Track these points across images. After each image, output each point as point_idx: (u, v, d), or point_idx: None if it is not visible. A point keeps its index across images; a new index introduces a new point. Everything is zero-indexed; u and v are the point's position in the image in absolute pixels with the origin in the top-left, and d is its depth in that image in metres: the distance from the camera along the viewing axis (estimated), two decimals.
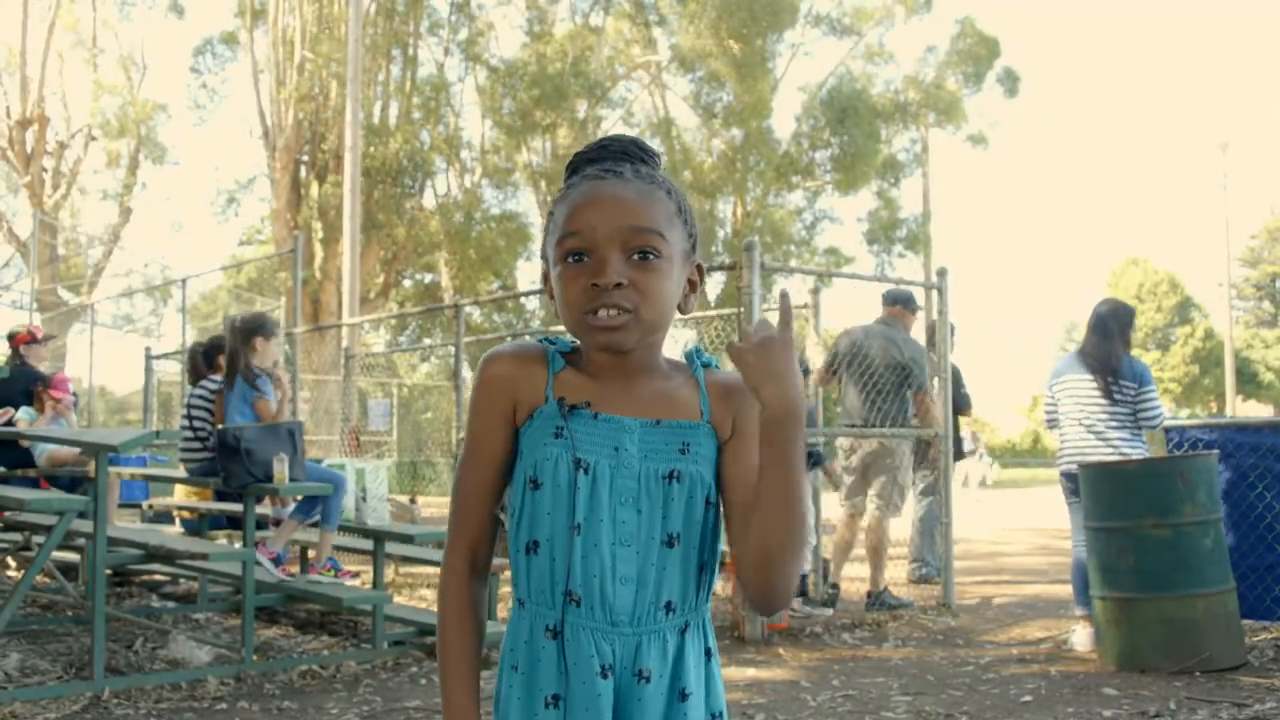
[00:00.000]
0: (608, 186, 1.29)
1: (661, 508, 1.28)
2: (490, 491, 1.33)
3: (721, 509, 1.33)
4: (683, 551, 1.28)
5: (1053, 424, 5.75)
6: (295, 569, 6.21)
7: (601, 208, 1.28)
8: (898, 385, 6.67)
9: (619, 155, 1.34)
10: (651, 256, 1.28)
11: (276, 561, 5.68)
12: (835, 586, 6.67)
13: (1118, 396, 5.41)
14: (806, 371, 7.59)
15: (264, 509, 6.48)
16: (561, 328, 1.38)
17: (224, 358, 5.97)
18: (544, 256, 1.36)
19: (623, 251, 1.27)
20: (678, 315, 1.36)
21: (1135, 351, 6.37)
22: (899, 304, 6.95)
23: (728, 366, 1.35)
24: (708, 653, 1.33)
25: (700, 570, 1.31)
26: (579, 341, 1.35)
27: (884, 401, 6.62)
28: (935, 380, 6.78)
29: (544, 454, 1.28)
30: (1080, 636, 5.37)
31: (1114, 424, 5.40)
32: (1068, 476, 5.50)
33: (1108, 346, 5.51)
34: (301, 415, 6.00)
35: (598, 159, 1.34)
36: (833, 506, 7.42)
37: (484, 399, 1.33)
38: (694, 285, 1.37)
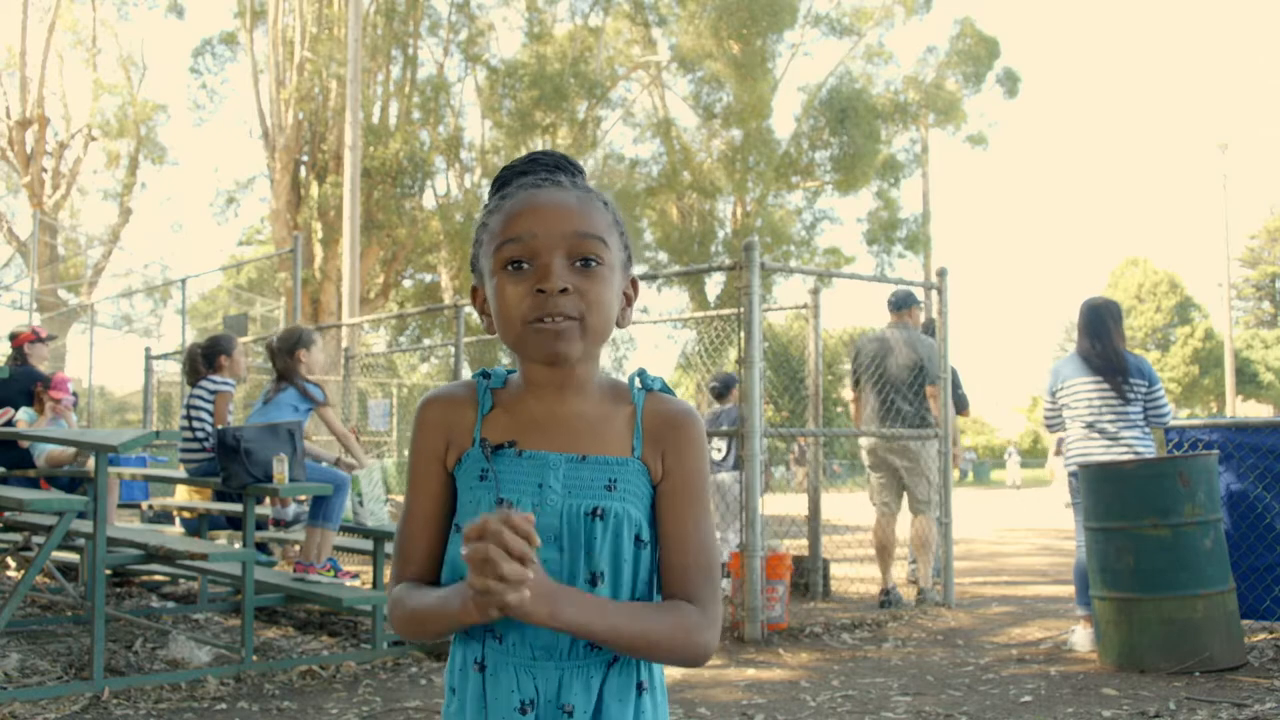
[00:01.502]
0: (546, 193, 1.27)
1: (584, 545, 1.24)
2: (431, 528, 1.31)
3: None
4: (609, 590, 1.25)
5: (1054, 427, 5.74)
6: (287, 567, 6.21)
7: (542, 213, 1.24)
8: (919, 385, 6.78)
9: (552, 168, 1.32)
10: (594, 263, 1.25)
11: (334, 572, 5.68)
12: (888, 593, 6.72)
13: (1130, 396, 5.41)
14: (734, 383, 7.73)
15: (264, 509, 6.48)
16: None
17: (213, 365, 6.09)
18: (475, 270, 1.32)
19: (566, 257, 1.24)
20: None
21: (1136, 352, 6.39)
22: (905, 307, 7.02)
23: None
24: (639, 686, 1.29)
25: None
26: (517, 359, 1.31)
27: (906, 403, 6.71)
28: (938, 382, 6.82)
29: (469, 497, 1.27)
30: (1080, 636, 5.37)
31: (1125, 424, 5.40)
32: (1076, 477, 5.50)
33: (1111, 346, 5.50)
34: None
35: (530, 171, 1.31)
36: (835, 507, 7.42)
37: (419, 442, 1.32)
38: (629, 300, 1.34)
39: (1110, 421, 5.41)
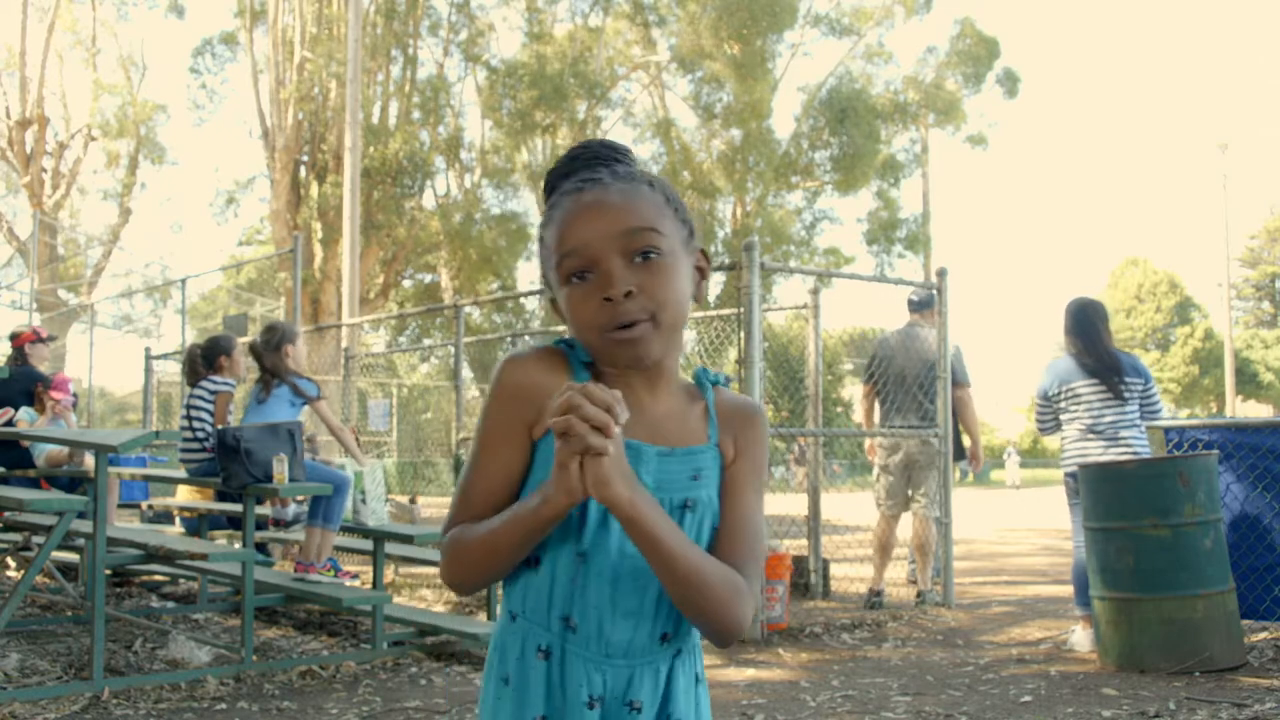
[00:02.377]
0: (589, 195, 1.24)
1: None
2: (496, 503, 1.23)
3: None
4: None
5: (1047, 429, 5.74)
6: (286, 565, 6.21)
7: (589, 219, 1.22)
8: (935, 381, 6.81)
9: (591, 161, 1.29)
10: (654, 255, 1.23)
11: (334, 572, 5.68)
12: (878, 593, 6.72)
13: (1128, 395, 5.42)
14: (728, 381, 7.76)
15: (264, 509, 6.48)
16: (562, 327, 1.34)
17: (213, 365, 6.08)
18: (547, 284, 1.30)
19: (624, 257, 1.22)
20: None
21: (1135, 352, 6.41)
22: (927, 307, 7.04)
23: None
24: (697, 679, 1.31)
25: None
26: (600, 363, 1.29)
27: (928, 400, 6.74)
28: (938, 381, 6.82)
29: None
30: (1080, 637, 5.37)
31: (1125, 424, 5.41)
32: (1074, 478, 5.50)
33: (1103, 346, 5.51)
34: (301, 416, 6.03)
35: (571, 172, 1.29)
36: (835, 507, 7.42)
37: (503, 406, 1.25)
38: (703, 272, 1.33)
39: (1110, 422, 5.41)
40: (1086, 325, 5.54)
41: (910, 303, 7.15)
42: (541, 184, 1.34)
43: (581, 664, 1.23)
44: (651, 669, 1.25)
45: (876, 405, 7.06)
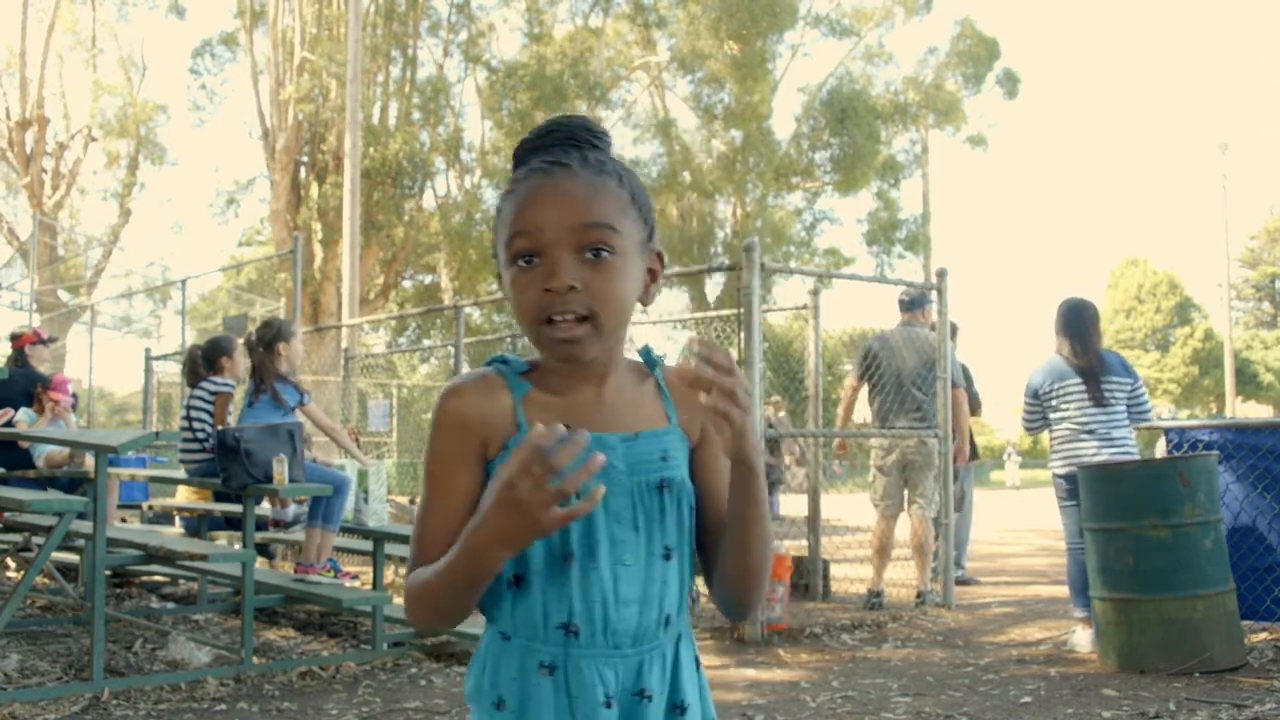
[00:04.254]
0: (554, 180, 1.21)
1: (658, 521, 1.24)
2: (455, 532, 1.18)
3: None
4: (678, 563, 1.25)
5: (1035, 428, 5.74)
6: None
7: (548, 204, 1.20)
8: (934, 381, 6.80)
9: (566, 142, 1.25)
10: (605, 253, 1.20)
11: (334, 573, 5.67)
12: (878, 594, 6.72)
13: (1118, 395, 5.44)
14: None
15: (264, 510, 6.48)
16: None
17: (214, 366, 6.06)
18: (494, 255, 1.28)
19: (575, 251, 1.19)
20: (639, 312, 1.31)
21: (1135, 353, 6.41)
22: (919, 306, 7.03)
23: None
24: (696, 661, 1.31)
25: (683, 570, 1.29)
26: (538, 352, 1.27)
27: (924, 396, 6.74)
28: (939, 382, 6.82)
29: None
30: (1081, 637, 5.37)
31: (1115, 423, 5.42)
32: (1067, 479, 5.50)
33: (1095, 347, 5.53)
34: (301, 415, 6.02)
35: (544, 146, 1.25)
36: (835, 508, 7.42)
37: (447, 438, 1.23)
38: (654, 275, 1.29)
39: (1101, 422, 5.42)
40: (1078, 325, 5.55)
41: (901, 303, 7.14)
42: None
43: (591, 665, 1.21)
44: (659, 655, 1.24)
45: (869, 404, 7.03)
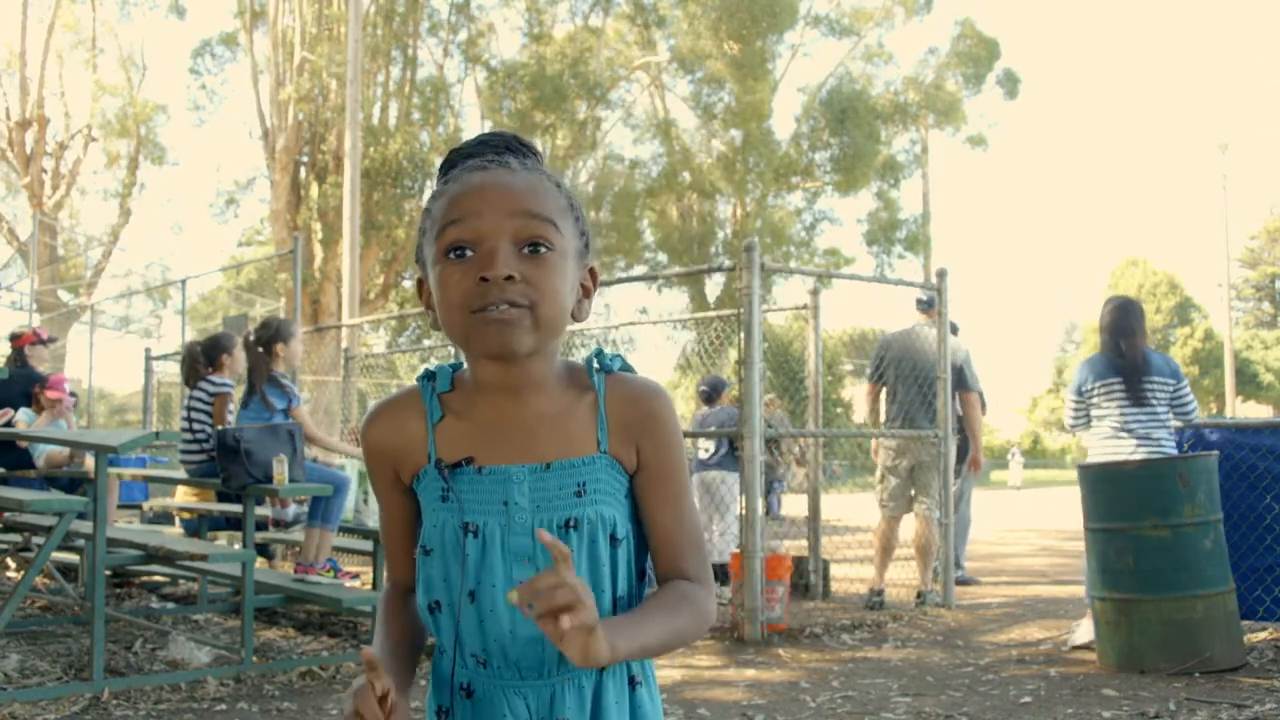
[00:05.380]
0: (493, 174, 1.17)
1: None
2: (406, 538, 1.28)
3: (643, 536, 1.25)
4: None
5: (1079, 426, 5.68)
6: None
7: (487, 194, 1.14)
8: (948, 382, 6.81)
9: (500, 149, 1.21)
10: (544, 249, 1.15)
11: (334, 573, 5.66)
12: (878, 594, 6.72)
13: (1160, 395, 5.42)
14: (723, 387, 7.89)
15: (264, 510, 6.48)
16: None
17: (215, 363, 6.06)
18: (419, 262, 1.22)
19: (513, 242, 1.14)
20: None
21: None
22: (933, 308, 7.03)
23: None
24: (632, 681, 1.24)
25: (614, 607, 1.20)
26: (466, 358, 1.22)
27: (934, 397, 6.76)
28: (938, 381, 6.82)
29: (433, 519, 1.21)
30: (1086, 629, 5.35)
31: (1154, 424, 5.40)
32: None
33: (1139, 346, 5.50)
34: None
35: (477, 153, 1.21)
36: (835, 508, 7.42)
37: (371, 465, 1.27)
38: (587, 291, 1.23)
39: (1140, 422, 5.40)
40: (1124, 323, 5.54)
41: (919, 302, 7.14)
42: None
43: (500, 694, 1.20)
44: (574, 685, 1.20)
45: (888, 404, 7.03)
